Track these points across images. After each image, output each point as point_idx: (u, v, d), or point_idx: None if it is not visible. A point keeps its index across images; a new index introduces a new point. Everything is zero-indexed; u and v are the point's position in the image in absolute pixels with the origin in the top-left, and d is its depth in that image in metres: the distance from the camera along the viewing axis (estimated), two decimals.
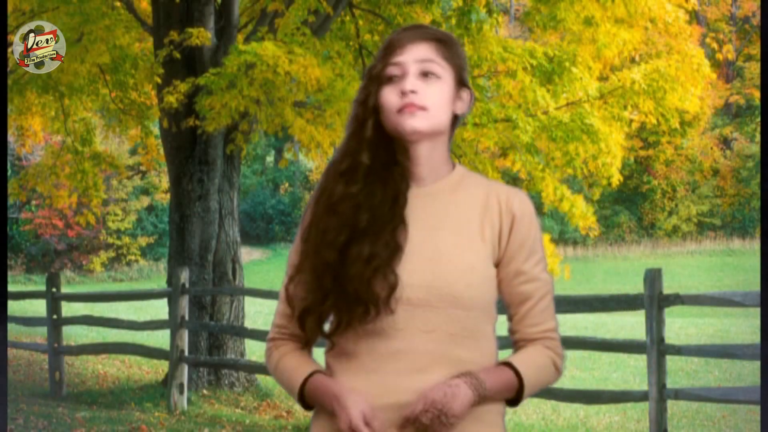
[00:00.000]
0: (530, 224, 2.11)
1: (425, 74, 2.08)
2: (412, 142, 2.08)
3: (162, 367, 12.49)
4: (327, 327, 2.09)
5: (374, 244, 2.03)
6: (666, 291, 7.04)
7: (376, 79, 2.11)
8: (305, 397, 2.10)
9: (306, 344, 2.17)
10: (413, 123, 2.06)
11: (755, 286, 13.64)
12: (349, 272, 2.02)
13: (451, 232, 2.08)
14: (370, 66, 2.13)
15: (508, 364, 2.07)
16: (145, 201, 37.79)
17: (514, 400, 2.10)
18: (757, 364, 6.40)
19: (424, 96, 2.07)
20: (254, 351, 12.74)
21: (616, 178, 11.22)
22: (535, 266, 2.11)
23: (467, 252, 2.06)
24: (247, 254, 34.33)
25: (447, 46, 2.12)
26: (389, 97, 2.08)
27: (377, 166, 2.09)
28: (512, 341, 2.15)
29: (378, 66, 2.11)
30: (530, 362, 2.09)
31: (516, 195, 2.13)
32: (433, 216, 2.09)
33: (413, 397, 1.99)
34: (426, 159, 2.11)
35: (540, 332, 2.12)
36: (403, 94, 2.06)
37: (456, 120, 2.14)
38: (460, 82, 2.13)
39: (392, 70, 2.09)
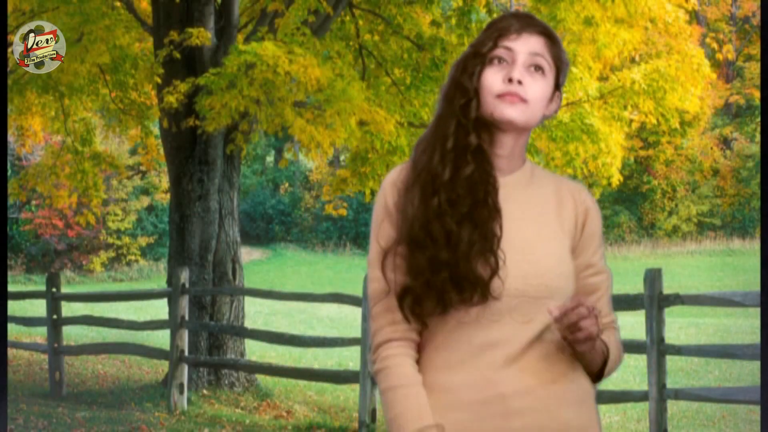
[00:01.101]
0: (598, 217, 2.14)
1: (533, 68, 2.05)
2: (503, 130, 2.06)
3: (162, 367, 12.49)
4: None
5: (474, 229, 2.00)
6: (666, 291, 7.04)
7: (482, 57, 2.06)
8: None
9: (419, 335, 2.06)
10: (512, 113, 2.03)
11: (755, 286, 13.64)
12: (456, 250, 1.98)
13: (536, 224, 2.07)
14: (478, 42, 2.08)
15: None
16: (145, 201, 37.78)
17: (597, 375, 2.11)
18: (757, 364, 6.40)
19: (528, 89, 2.03)
20: (254, 351, 12.75)
21: (616, 178, 11.23)
22: (601, 258, 2.15)
23: (554, 243, 2.06)
24: (247, 254, 34.32)
25: (557, 45, 2.09)
26: (492, 79, 2.04)
27: (480, 149, 2.06)
28: None
29: (488, 45, 2.06)
30: (611, 342, 2.12)
31: (584, 189, 2.17)
32: (515, 207, 2.07)
33: (513, 388, 1.99)
34: (509, 150, 2.08)
35: (607, 324, 2.14)
36: (510, 81, 2.02)
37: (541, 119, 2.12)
38: (558, 83, 2.11)
39: (502, 53, 2.05)
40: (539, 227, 2.06)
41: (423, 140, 2.10)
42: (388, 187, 2.10)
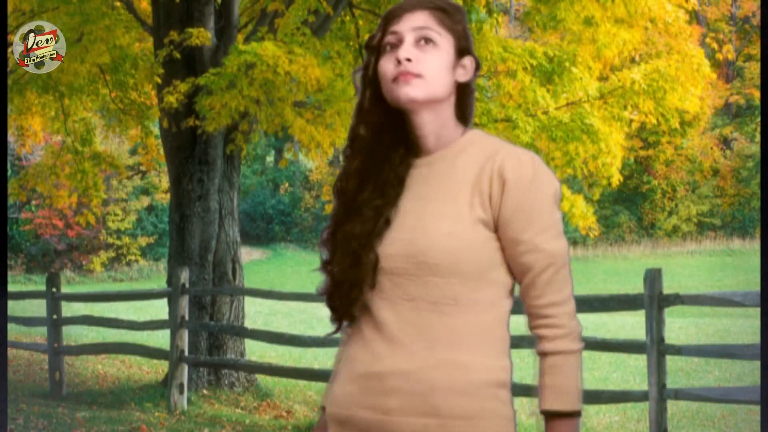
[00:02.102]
0: (528, 190, 1.99)
1: (422, 41, 2.05)
2: (411, 111, 2.06)
3: (162, 367, 12.49)
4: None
5: (364, 222, 2.06)
6: (666, 291, 7.04)
7: (374, 49, 2.11)
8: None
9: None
10: (408, 91, 2.03)
11: (755, 286, 13.64)
12: (341, 252, 2.08)
13: (439, 201, 2.05)
14: (369, 37, 2.13)
15: (560, 415, 2.01)
16: (145, 201, 37.79)
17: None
18: (757, 364, 6.40)
19: (419, 63, 2.03)
20: (254, 351, 12.75)
21: (616, 178, 11.23)
22: (537, 236, 1.99)
23: (448, 219, 2.01)
24: (247, 254, 34.33)
25: (447, 14, 2.08)
26: (386, 66, 2.07)
27: (376, 139, 2.10)
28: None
29: (376, 36, 2.11)
30: (570, 387, 2.02)
31: (515, 159, 2.01)
32: (426, 185, 2.07)
33: (392, 368, 2.01)
34: (429, 128, 2.08)
35: (542, 305, 2.01)
36: (398, 62, 2.04)
37: (464, 89, 2.11)
38: (462, 51, 2.09)
39: (389, 39, 2.08)
40: (440, 204, 2.04)
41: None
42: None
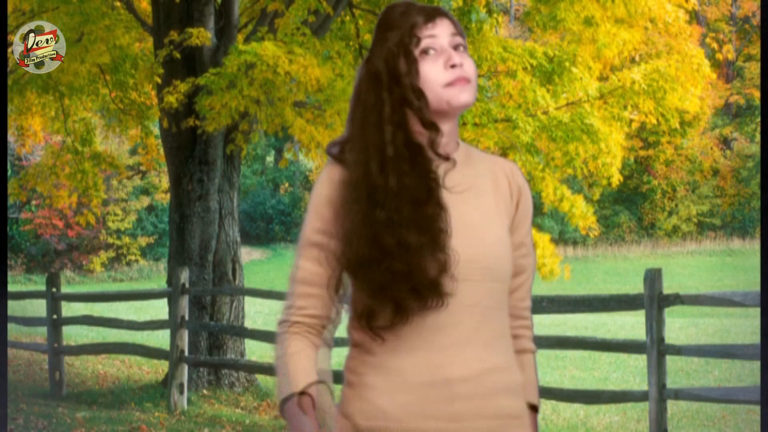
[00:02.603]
0: (529, 197, 2.15)
1: (459, 47, 2.06)
2: (450, 116, 2.06)
3: (162, 367, 12.49)
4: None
5: (424, 231, 1.99)
6: (666, 291, 7.04)
7: (411, 54, 2.03)
8: (283, 408, 2.04)
9: (322, 328, 2.11)
10: (467, 97, 2.03)
11: (755, 286, 13.64)
12: (407, 263, 1.97)
13: (476, 205, 2.07)
14: (395, 43, 2.04)
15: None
16: (145, 201, 37.79)
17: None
18: (757, 364, 6.40)
19: (467, 68, 2.04)
20: (254, 351, 12.74)
21: (616, 178, 11.22)
22: (530, 238, 2.15)
23: (495, 224, 2.06)
24: (247, 254, 34.33)
25: (456, 22, 2.11)
26: (435, 70, 2.03)
27: (414, 150, 2.05)
28: None
29: (412, 41, 2.04)
30: (534, 385, 2.18)
31: (516, 167, 2.15)
32: (460, 192, 2.07)
33: (458, 373, 2.00)
34: (450, 133, 2.09)
35: (524, 307, 2.16)
36: (453, 67, 2.02)
37: None
38: None
39: (429, 43, 2.04)
40: (479, 209, 2.06)
41: (352, 151, 2.07)
42: (325, 181, 2.10)
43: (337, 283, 2.07)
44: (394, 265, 1.97)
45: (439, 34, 2.04)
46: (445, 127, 2.06)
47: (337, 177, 2.09)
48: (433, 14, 2.06)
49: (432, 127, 2.04)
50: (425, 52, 2.04)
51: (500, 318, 2.07)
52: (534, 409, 2.15)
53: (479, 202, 2.07)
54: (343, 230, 2.03)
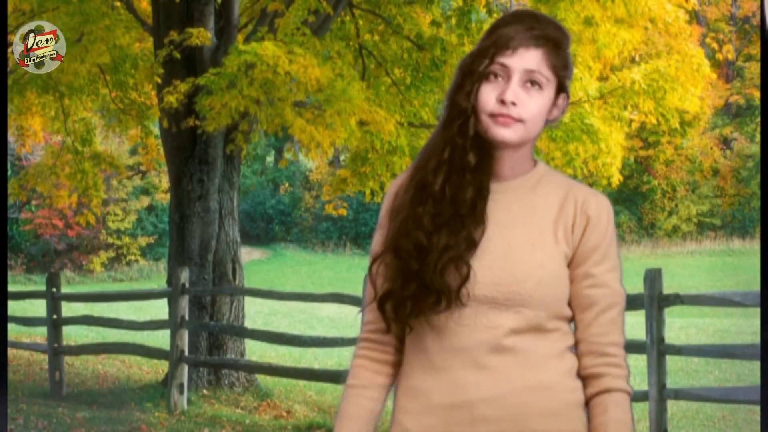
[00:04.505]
0: (606, 229, 2.05)
1: (528, 83, 2.00)
2: (497, 147, 2.04)
3: (162, 367, 12.48)
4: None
5: (452, 236, 1.99)
6: (666, 291, 7.04)
7: (478, 74, 2.01)
8: None
9: (395, 346, 2.11)
10: (505, 134, 2.00)
11: (755, 286, 13.66)
12: (425, 260, 1.98)
13: (525, 230, 2.03)
14: (473, 58, 2.03)
15: None
16: (145, 201, 37.77)
17: None
18: (757, 364, 6.40)
19: (523, 108, 1.99)
20: (254, 351, 12.75)
21: (616, 178, 11.22)
22: (607, 273, 2.04)
23: (538, 251, 2.01)
24: (247, 254, 34.31)
25: (557, 50, 2.03)
26: (487, 97, 2.00)
27: (476, 166, 2.03)
28: (577, 353, 2.06)
29: (483, 62, 2.01)
30: (622, 426, 2.12)
31: (594, 197, 2.06)
32: (508, 214, 2.04)
33: (480, 395, 1.98)
34: (509, 161, 2.06)
35: (606, 343, 2.04)
36: (503, 102, 1.99)
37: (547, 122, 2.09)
38: (561, 87, 2.06)
39: (497, 69, 2.00)
40: (528, 235, 2.03)
41: (425, 146, 2.09)
42: (388, 194, 2.12)
43: None
44: (410, 263, 1.99)
45: (514, 65, 1.99)
46: (501, 153, 2.04)
47: (394, 188, 2.11)
48: (522, 42, 2.00)
49: (479, 145, 2.03)
50: (491, 75, 2.01)
51: (545, 343, 2.01)
52: None
53: (529, 227, 2.03)
54: (392, 219, 2.06)
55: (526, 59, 2.00)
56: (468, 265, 1.98)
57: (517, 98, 1.99)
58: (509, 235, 2.02)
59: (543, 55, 2.01)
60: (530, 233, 2.03)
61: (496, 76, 2.01)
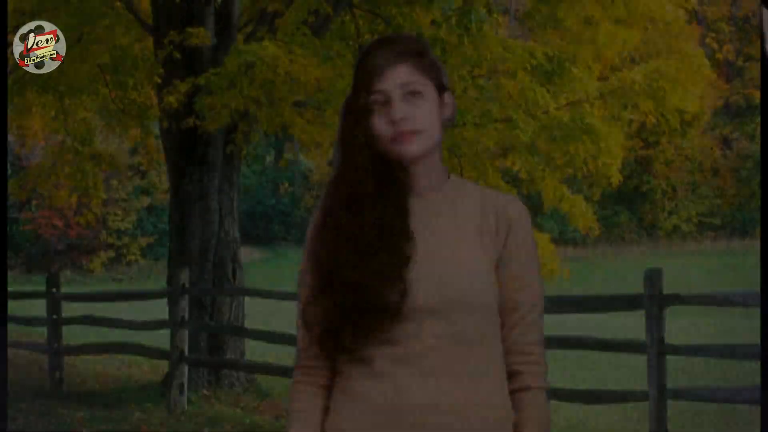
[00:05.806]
0: (527, 232, 2.11)
1: (409, 96, 2.05)
2: (411, 163, 2.08)
3: (162, 367, 12.47)
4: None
5: (383, 259, 2.02)
6: (666, 291, 7.04)
7: (362, 110, 2.07)
8: None
9: (331, 368, 2.14)
10: (410, 150, 2.05)
11: (755, 286, 13.61)
12: (360, 293, 2.02)
13: (452, 239, 2.08)
14: (351, 98, 2.08)
15: None
16: (145, 201, 37.81)
17: None
18: (757, 364, 6.40)
19: (414, 120, 2.04)
20: (254, 351, 12.73)
21: (616, 178, 11.22)
22: (530, 274, 2.11)
23: (468, 258, 2.06)
24: (247, 254, 34.27)
25: (422, 57, 2.08)
26: (380, 126, 2.05)
27: (379, 189, 2.08)
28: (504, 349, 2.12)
29: (360, 97, 2.07)
30: (534, 423, 2.10)
31: (512, 201, 2.13)
32: (433, 225, 2.09)
33: (421, 401, 2.01)
34: (424, 173, 2.10)
35: (526, 342, 2.10)
36: (393, 122, 2.03)
37: (444, 122, 2.13)
38: (441, 88, 2.11)
39: (376, 98, 2.05)
40: (455, 244, 2.07)
41: (328, 189, 2.12)
42: (307, 239, 2.15)
43: None
44: (348, 298, 2.02)
45: (388, 87, 2.04)
46: (418, 169, 2.09)
47: (310, 233, 2.14)
48: (386, 64, 2.05)
49: (396, 167, 2.07)
50: (375, 106, 2.05)
51: (481, 351, 2.05)
52: None
53: (456, 236, 2.08)
54: (312, 260, 2.09)
55: (396, 75, 2.05)
56: (404, 281, 2.01)
57: (404, 113, 2.03)
58: (438, 246, 2.06)
59: (409, 66, 2.06)
60: (458, 243, 2.07)
61: (379, 104, 2.05)
